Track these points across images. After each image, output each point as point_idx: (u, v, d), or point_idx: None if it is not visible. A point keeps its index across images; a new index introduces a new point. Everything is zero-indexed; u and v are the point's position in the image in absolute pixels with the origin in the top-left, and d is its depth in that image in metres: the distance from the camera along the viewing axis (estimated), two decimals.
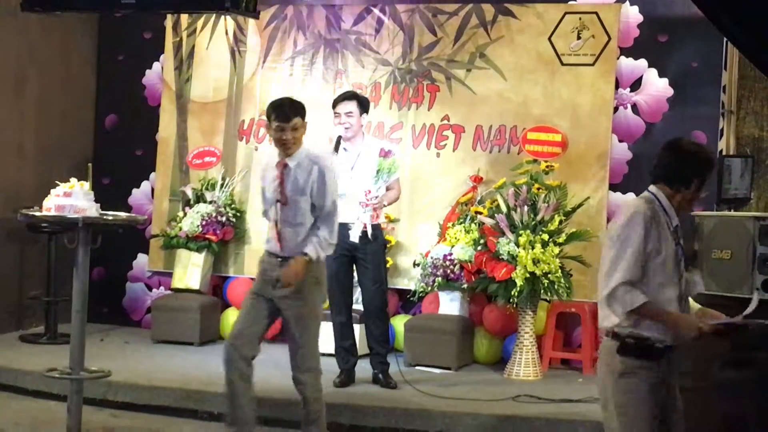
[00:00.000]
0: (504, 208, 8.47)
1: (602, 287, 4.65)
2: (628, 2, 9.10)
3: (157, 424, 7.32)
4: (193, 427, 7.34)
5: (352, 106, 7.93)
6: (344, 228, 7.76)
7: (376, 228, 7.87)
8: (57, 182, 6.92)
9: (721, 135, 8.97)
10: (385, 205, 8.04)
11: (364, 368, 8.09)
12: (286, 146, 6.45)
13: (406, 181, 9.22)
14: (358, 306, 8.34)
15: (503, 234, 8.39)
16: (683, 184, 4.73)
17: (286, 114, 6.41)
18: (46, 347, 9.02)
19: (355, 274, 8.08)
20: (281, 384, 7.85)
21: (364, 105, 8.02)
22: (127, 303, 10.41)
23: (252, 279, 9.66)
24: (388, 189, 7.98)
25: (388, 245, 9.13)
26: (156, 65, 10.43)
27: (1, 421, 7.18)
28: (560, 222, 8.33)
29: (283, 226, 6.39)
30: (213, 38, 10.16)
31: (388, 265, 9.13)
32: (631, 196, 8.22)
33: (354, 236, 7.76)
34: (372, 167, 7.88)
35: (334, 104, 8.03)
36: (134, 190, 10.39)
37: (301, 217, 6.34)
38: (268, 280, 6.44)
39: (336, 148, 7.84)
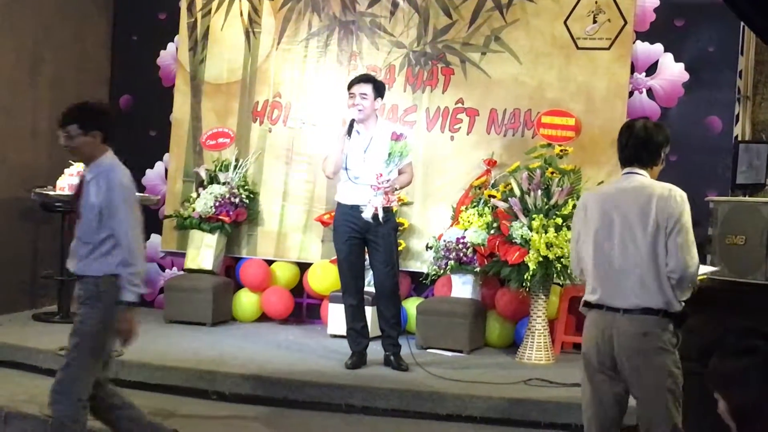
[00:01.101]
0: (517, 192, 8.45)
1: (675, 269, 4.74)
2: None
3: (169, 403, 7.32)
4: (204, 407, 7.34)
5: (367, 88, 7.92)
6: (356, 209, 7.78)
7: (388, 211, 7.85)
8: (71, 162, 6.93)
9: (737, 120, 8.94)
10: (396, 189, 8.02)
11: (375, 350, 8.09)
12: (72, 155, 6.01)
13: (420, 164, 9.21)
14: (370, 288, 8.35)
15: (516, 218, 8.38)
16: (657, 161, 5.01)
17: (61, 118, 5.78)
18: (59, 326, 9.00)
19: (366, 256, 8.07)
20: (281, 363, 7.93)
21: (379, 89, 8.00)
22: None
23: (265, 260, 9.74)
24: (400, 173, 7.95)
25: (400, 228, 9.13)
26: (171, 46, 10.43)
27: (15, 398, 7.20)
28: (574, 206, 8.28)
29: (76, 242, 5.80)
30: (228, 19, 10.15)
31: (400, 248, 9.15)
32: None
33: (367, 216, 7.74)
34: (384, 149, 7.85)
35: (350, 85, 8.02)
36: (148, 171, 10.40)
37: (89, 235, 5.66)
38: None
39: (349, 132, 7.83)
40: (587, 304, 4.97)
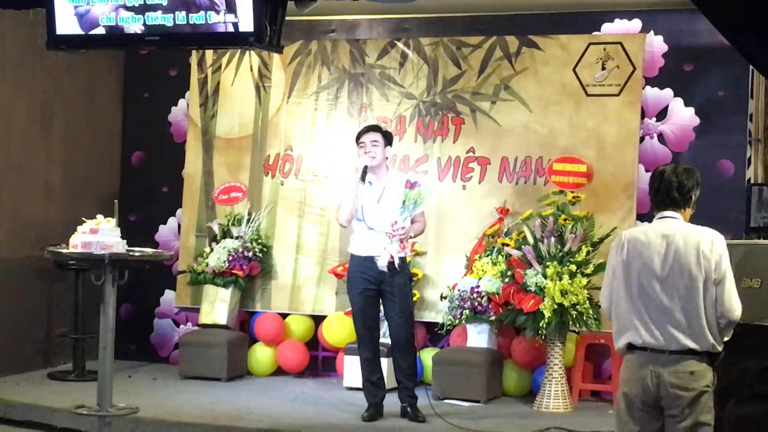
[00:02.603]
0: (531, 240, 8.44)
1: (724, 314, 4.91)
2: (652, 32, 9.08)
3: None
4: None
5: (377, 136, 7.94)
6: (370, 260, 7.76)
7: (402, 260, 7.83)
8: (84, 219, 6.94)
9: (749, 163, 8.93)
10: (411, 237, 8.00)
11: (392, 402, 8.03)
12: None
13: (432, 214, 9.20)
14: (385, 339, 8.31)
15: (530, 265, 8.35)
16: (690, 204, 5.16)
17: None
18: (75, 384, 9.03)
19: (381, 307, 8.04)
20: (297, 417, 7.91)
21: (387, 137, 8.02)
22: (154, 339, 10.41)
23: (280, 314, 9.72)
24: (413, 222, 7.95)
25: (414, 278, 9.10)
26: (182, 102, 10.47)
27: None
28: (588, 253, 8.29)
29: None
30: (238, 74, 10.19)
31: (414, 299, 9.11)
32: None
33: (381, 266, 7.71)
34: (397, 198, 7.85)
35: (358, 137, 8.03)
36: (161, 227, 10.40)
37: None
38: None
39: (363, 178, 7.83)
40: (631, 347, 5.03)
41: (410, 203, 7.84)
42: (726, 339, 4.98)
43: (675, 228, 5.03)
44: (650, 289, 4.98)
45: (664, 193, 5.10)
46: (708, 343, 4.90)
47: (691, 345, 4.89)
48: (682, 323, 4.91)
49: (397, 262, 7.72)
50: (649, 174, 8.71)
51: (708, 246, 4.93)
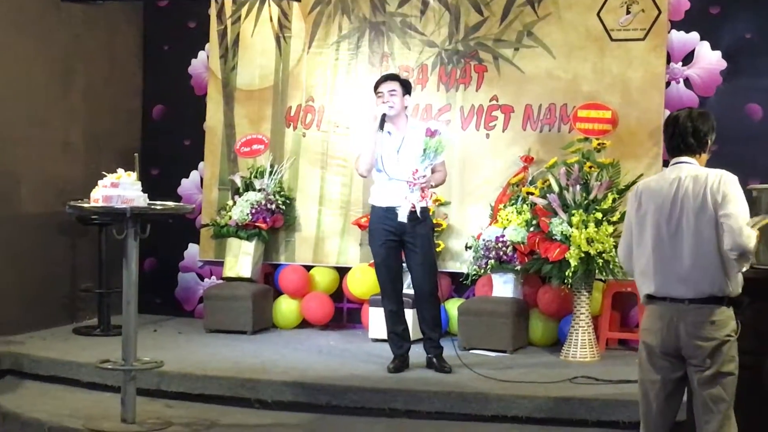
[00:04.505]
0: (556, 188, 8.36)
1: (737, 246, 4.76)
2: None
3: (211, 413, 7.28)
4: (247, 416, 7.29)
5: (395, 85, 7.85)
6: (391, 211, 7.69)
7: (424, 210, 7.76)
8: (104, 174, 6.90)
9: None
10: (432, 186, 7.92)
11: (418, 353, 8.01)
12: None
13: (456, 163, 9.15)
14: (409, 290, 8.26)
15: (556, 214, 8.28)
16: (705, 149, 5.11)
17: None
18: (100, 339, 9.04)
19: (404, 258, 7.98)
20: (323, 369, 7.88)
21: (406, 86, 7.93)
22: (179, 293, 10.42)
23: (304, 266, 9.69)
24: (433, 171, 7.86)
25: (438, 228, 9.05)
26: (201, 54, 10.40)
27: (57, 413, 7.18)
28: (614, 200, 8.21)
29: None
30: (257, 25, 10.11)
31: (439, 249, 9.07)
32: None
33: (402, 216, 7.65)
34: (417, 148, 7.76)
35: (376, 86, 7.94)
36: (183, 180, 10.37)
37: None
38: None
39: (381, 126, 7.75)
40: (650, 297, 4.98)
41: (431, 151, 7.76)
42: (744, 269, 4.88)
43: (685, 172, 4.96)
44: (665, 237, 4.92)
45: (679, 138, 5.04)
46: (727, 286, 4.83)
47: (711, 290, 4.82)
48: (699, 268, 4.84)
49: (418, 210, 7.65)
50: None
51: (716, 184, 4.86)
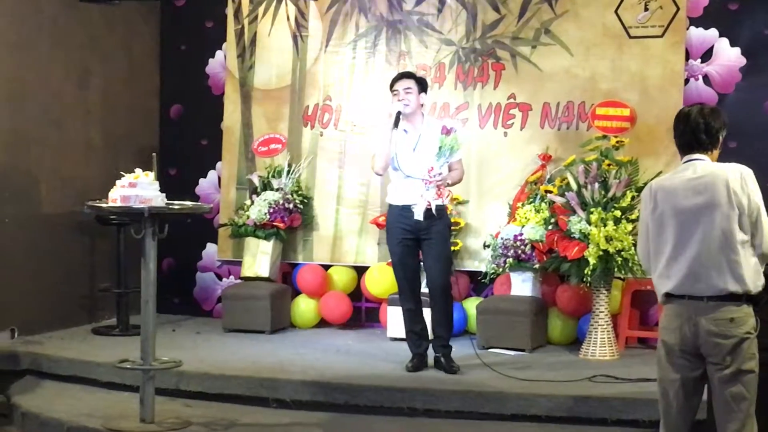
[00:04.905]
0: (574, 186, 8.32)
1: (759, 246, 4.85)
2: None
3: (229, 413, 7.27)
4: (265, 415, 7.28)
5: (410, 83, 7.82)
6: (407, 210, 7.66)
7: (441, 208, 7.72)
8: (122, 174, 6.90)
9: None
10: (448, 184, 7.85)
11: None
12: None
13: (474, 162, 9.14)
14: (426, 289, 8.23)
15: (574, 212, 8.24)
16: (717, 145, 5.07)
17: None
18: (119, 339, 9.05)
19: (421, 257, 7.95)
20: (341, 368, 7.87)
21: (422, 84, 7.90)
22: (197, 293, 10.42)
23: (322, 266, 9.68)
24: (450, 169, 7.82)
25: (456, 227, 9.04)
26: (219, 54, 10.41)
27: (76, 413, 7.20)
28: (632, 198, 8.17)
29: None
30: (275, 24, 10.11)
31: (457, 248, 9.06)
32: None
33: (418, 214, 7.61)
34: (433, 145, 7.72)
35: (392, 84, 7.92)
36: (201, 180, 10.38)
37: None
38: None
39: (396, 124, 7.73)
40: (669, 296, 4.96)
41: (446, 149, 7.71)
42: (760, 281, 4.88)
43: (701, 169, 4.93)
44: (683, 235, 4.89)
45: (691, 135, 5.01)
46: (746, 283, 4.80)
47: (730, 288, 4.79)
48: (718, 266, 4.81)
49: (434, 208, 7.62)
50: None
51: (738, 181, 4.84)
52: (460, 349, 8.23)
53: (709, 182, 4.86)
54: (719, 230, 4.81)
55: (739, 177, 4.85)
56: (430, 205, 7.60)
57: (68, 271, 9.52)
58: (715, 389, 4.90)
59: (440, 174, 7.66)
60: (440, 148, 7.70)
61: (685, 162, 5.03)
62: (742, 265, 4.80)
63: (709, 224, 4.83)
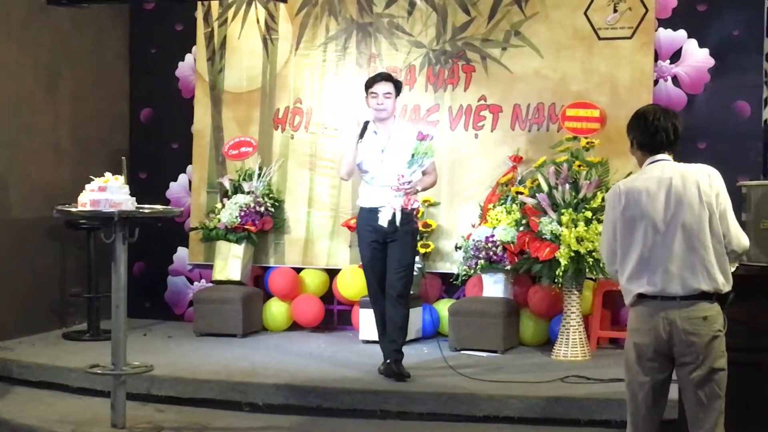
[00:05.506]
0: (545, 187, 8.34)
1: (740, 246, 4.89)
2: None
3: (202, 417, 7.26)
4: (238, 419, 7.26)
5: (390, 87, 7.74)
6: (375, 213, 7.60)
7: (408, 214, 7.58)
8: (92, 178, 6.87)
9: (765, 104, 8.80)
10: (418, 191, 7.73)
11: (409, 353, 7.97)
12: None
13: (445, 164, 9.14)
14: None
15: (545, 213, 8.26)
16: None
17: None
18: (89, 344, 9.01)
19: None
20: (313, 371, 7.86)
21: (398, 87, 7.85)
22: (169, 297, 10.39)
23: (294, 269, 9.67)
24: (424, 174, 7.75)
25: (428, 229, 9.06)
26: (188, 57, 10.38)
27: (46, 418, 7.15)
28: (603, 199, 8.18)
29: None
30: (244, 27, 10.09)
31: (429, 249, 9.07)
32: None
33: (383, 220, 7.50)
34: (403, 150, 7.61)
35: (371, 84, 7.80)
36: (171, 184, 10.34)
37: None
38: None
39: (362, 134, 7.69)
40: (641, 296, 4.93)
41: (420, 156, 7.58)
42: (733, 269, 4.92)
43: (669, 170, 4.93)
44: (655, 236, 4.88)
45: (663, 136, 4.99)
46: (718, 282, 4.82)
47: (702, 287, 4.80)
48: (691, 265, 4.82)
49: (399, 218, 7.49)
50: None
51: (706, 181, 4.86)
52: (433, 352, 8.25)
53: (678, 183, 4.87)
54: (694, 231, 4.82)
55: (708, 177, 4.88)
56: (395, 211, 7.52)
57: (38, 276, 9.47)
58: (687, 389, 4.90)
59: (410, 182, 7.54)
60: (413, 155, 7.58)
61: (651, 162, 5.02)
62: (714, 264, 4.81)
63: (685, 225, 4.83)
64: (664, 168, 4.94)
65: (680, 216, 4.83)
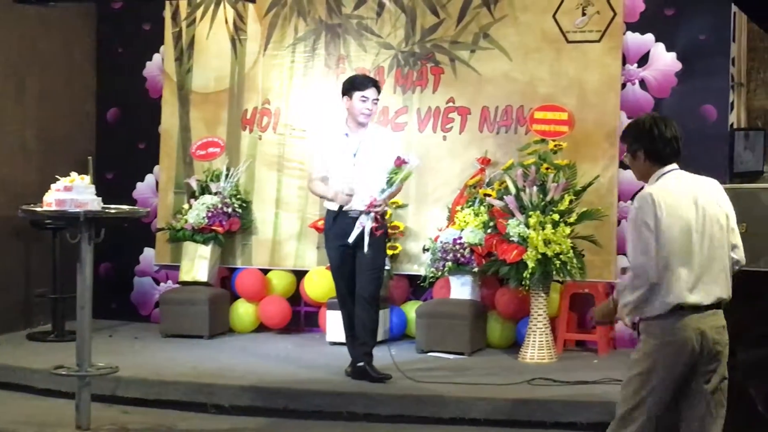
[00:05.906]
0: (513, 190, 8.36)
1: (741, 259, 4.95)
2: None
3: (168, 418, 7.23)
4: (204, 421, 7.25)
5: (377, 94, 7.75)
6: (344, 216, 7.60)
7: (380, 217, 7.60)
8: (58, 178, 6.82)
9: (732, 108, 8.85)
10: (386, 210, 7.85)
11: (377, 356, 7.95)
12: None
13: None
14: None
15: (513, 216, 8.28)
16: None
17: None
18: (54, 345, 8.94)
19: None
20: (280, 373, 7.86)
21: (379, 92, 7.87)
22: (135, 298, 10.32)
23: (261, 270, 9.63)
24: None
25: (396, 231, 9.06)
26: (156, 57, 10.32)
27: (11, 420, 7.11)
28: (570, 201, 8.22)
29: None
30: (213, 27, 10.04)
31: (396, 251, 9.07)
32: None
33: (352, 237, 7.48)
34: (376, 153, 7.63)
35: (361, 87, 7.71)
36: (138, 184, 10.28)
37: None
38: None
39: (341, 208, 7.68)
40: (679, 308, 4.72)
41: (396, 182, 7.54)
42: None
43: (688, 181, 4.86)
44: (700, 247, 4.75)
45: (675, 144, 4.88)
46: (729, 291, 4.85)
47: (724, 296, 4.80)
48: (717, 275, 4.79)
49: (366, 239, 7.45)
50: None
51: (721, 194, 4.89)
52: (400, 353, 8.26)
53: (704, 194, 4.82)
54: (719, 241, 4.80)
55: (720, 190, 4.90)
56: (365, 229, 7.47)
57: (3, 276, 9.39)
58: (699, 399, 4.80)
59: (380, 206, 7.52)
60: (389, 179, 7.53)
61: (670, 171, 4.87)
62: (729, 273, 4.84)
63: (715, 236, 4.79)
64: (680, 179, 4.86)
65: (708, 226, 4.77)
